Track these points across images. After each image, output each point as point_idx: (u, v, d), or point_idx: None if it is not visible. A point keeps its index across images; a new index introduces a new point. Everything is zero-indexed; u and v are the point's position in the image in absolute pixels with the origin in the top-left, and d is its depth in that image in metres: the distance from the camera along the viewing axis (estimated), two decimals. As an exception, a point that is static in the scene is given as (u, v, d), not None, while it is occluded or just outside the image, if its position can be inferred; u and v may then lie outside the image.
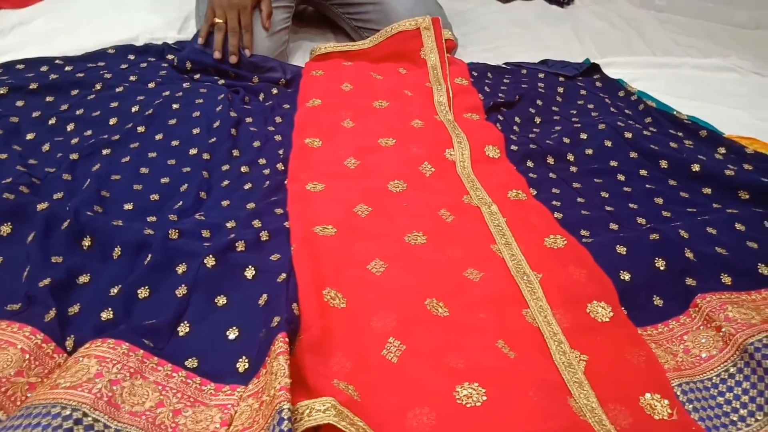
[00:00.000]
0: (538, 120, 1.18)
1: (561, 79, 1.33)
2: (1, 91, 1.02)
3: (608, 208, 0.91)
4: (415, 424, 0.54)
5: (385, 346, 0.62)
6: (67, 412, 0.50)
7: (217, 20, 1.16)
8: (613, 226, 0.87)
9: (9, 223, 0.74)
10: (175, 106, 1.05)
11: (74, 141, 0.95)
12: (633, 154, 1.05)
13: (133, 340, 0.59)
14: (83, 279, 0.69)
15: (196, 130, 1.00)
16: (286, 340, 0.56)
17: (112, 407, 0.53)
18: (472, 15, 1.67)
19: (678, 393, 0.64)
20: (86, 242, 0.73)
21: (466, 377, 0.58)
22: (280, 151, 0.99)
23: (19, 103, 1.02)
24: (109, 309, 0.65)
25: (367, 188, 0.90)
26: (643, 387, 0.63)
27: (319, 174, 0.92)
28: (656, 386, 0.63)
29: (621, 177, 1.01)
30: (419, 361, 0.61)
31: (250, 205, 0.86)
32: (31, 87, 1.05)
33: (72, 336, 0.62)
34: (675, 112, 1.19)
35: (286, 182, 0.91)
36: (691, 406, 0.63)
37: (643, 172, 1.02)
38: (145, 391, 0.56)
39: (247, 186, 0.91)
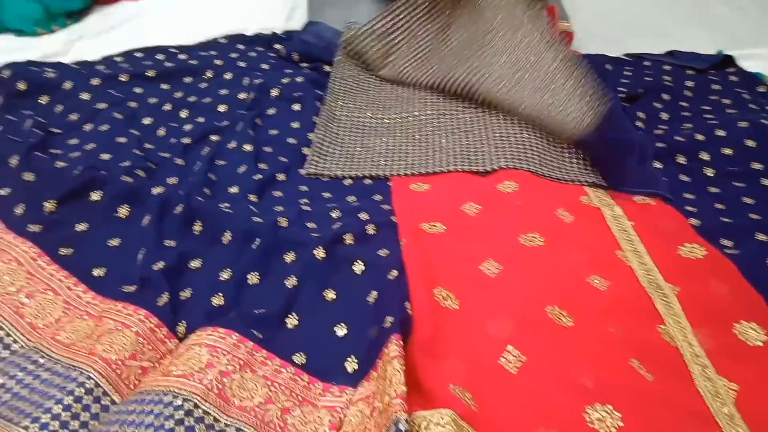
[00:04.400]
0: (665, 116, 1.07)
1: (690, 72, 1.20)
2: (123, 78, 1.06)
3: (754, 216, 0.81)
4: (540, 447, 0.48)
5: (503, 354, 0.57)
6: (179, 402, 0.49)
7: None
8: (761, 237, 0.77)
9: (127, 206, 0.76)
10: (274, 93, 1.04)
11: (187, 127, 0.97)
12: (780, 156, 0.93)
13: (242, 330, 0.58)
14: (194, 264, 0.69)
15: (295, 125, 0.99)
16: (401, 343, 0.53)
17: (222, 400, 0.51)
18: (586, 2, 1.56)
19: None
20: (197, 227, 0.73)
21: (597, 398, 0.52)
22: None
23: (138, 90, 1.05)
24: (220, 294, 0.64)
25: (474, 186, 0.85)
26: (808, 426, 0.54)
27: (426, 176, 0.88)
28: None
29: (766, 182, 0.89)
30: (542, 373, 0.56)
31: (352, 198, 0.83)
32: (148, 74, 1.08)
33: (184, 321, 0.62)
34: (826, 111, 1.04)
35: (389, 183, 0.87)
36: None
37: (792, 177, 0.90)
38: (254, 386, 0.54)
39: (347, 182, 0.88)
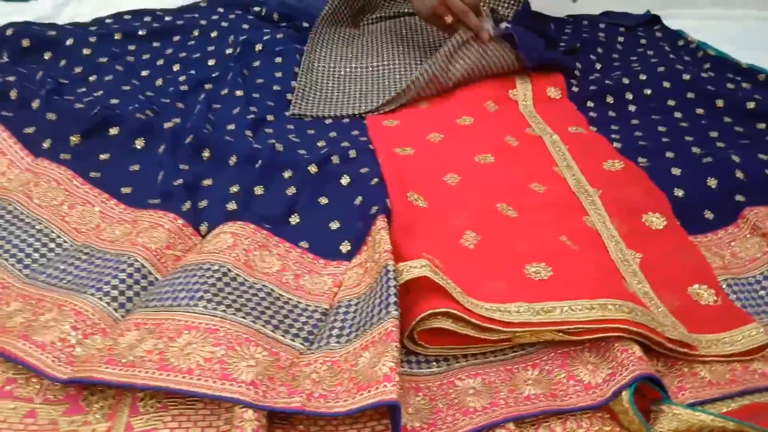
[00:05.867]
0: (598, 66, 1.24)
1: (621, 29, 1.38)
2: (117, 37, 1.16)
3: (665, 140, 0.99)
4: (491, 290, 0.64)
5: (463, 236, 0.73)
6: (216, 267, 0.63)
7: None
8: (669, 154, 0.94)
9: (142, 138, 0.88)
10: (258, 48, 1.17)
11: (182, 78, 1.08)
12: (690, 95, 1.11)
13: (257, 223, 0.72)
14: (207, 182, 0.83)
15: (278, 74, 1.12)
16: (385, 219, 0.68)
17: (248, 268, 0.66)
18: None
19: (724, 287, 0.72)
20: (206, 153, 0.86)
21: (533, 258, 0.69)
22: None
23: (131, 47, 1.16)
24: (233, 202, 0.78)
25: (437, 122, 1.00)
26: (692, 279, 0.72)
27: (394, 114, 1.03)
28: (703, 279, 0.72)
29: (678, 114, 1.07)
30: (493, 247, 0.72)
31: (333, 134, 0.97)
32: (139, 33, 1.19)
33: (205, 222, 0.75)
34: (734, 60, 1.23)
35: (364, 121, 1.02)
36: (734, 296, 0.71)
37: (699, 111, 1.08)
38: (271, 260, 0.69)
39: (327, 120, 1.02)
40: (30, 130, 0.88)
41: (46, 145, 0.86)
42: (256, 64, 1.14)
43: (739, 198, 0.84)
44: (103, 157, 0.85)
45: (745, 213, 0.81)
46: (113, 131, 0.88)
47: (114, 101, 0.96)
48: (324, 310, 0.64)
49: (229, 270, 0.64)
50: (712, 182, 0.85)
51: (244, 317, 0.59)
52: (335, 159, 0.86)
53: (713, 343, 0.64)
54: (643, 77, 1.15)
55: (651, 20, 1.41)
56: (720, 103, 1.08)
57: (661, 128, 1.03)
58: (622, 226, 0.79)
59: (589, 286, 0.64)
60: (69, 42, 1.10)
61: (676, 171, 0.88)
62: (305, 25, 1.25)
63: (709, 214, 0.83)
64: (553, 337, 0.61)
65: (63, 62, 1.08)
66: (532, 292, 0.64)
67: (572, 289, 0.63)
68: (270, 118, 1.00)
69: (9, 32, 1.10)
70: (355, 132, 0.98)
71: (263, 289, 0.64)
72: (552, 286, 0.65)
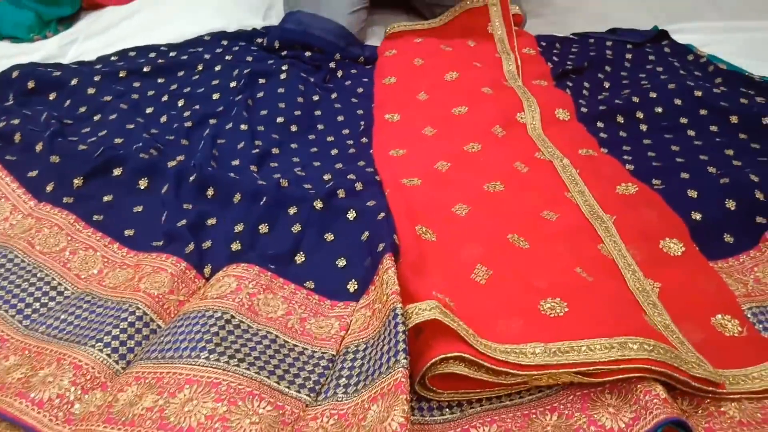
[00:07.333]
0: (607, 84, 1.23)
1: (629, 46, 1.36)
2: (122, 74, 1.16)
3: (679, 160, 0.96)
4: (505, 330, 0.62)
5: (474, 271, 0.71)
6: (219, 314, 0.62)
7: None
8: (684, 175, 0.91)
9: (146, 178, 0.87)
10: (261, 80, 1.16)
11: (186, 114, 1.08)
12: (703, 111, 1.08)
13: (261, 264, 0.70)
14: (211, 221, 0.81)
15: (281, 104, 1.11)
16: (392, 258, 0.66)
17: (252, 313, 0.64)
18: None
19: (748, 315, 0.69)
20: (210, 192, 0.85)
21: (548, 294, 0.66)
22: (362, 123, 1.09)
23: (136, 84, 1.16)
24: (237, 242, 0.76)
25: (444, 150, 0.98)
26: (714, 309, 0.68)
27: (401, 142, 1.01)
28: (727, 308, 0.68)
29: (691, 132, 1.05)
30: (505, 282, 0.69)
31: (339, 165, 0.96)
32: (144, 70, 1.19)
33: (209, 264, 0.74)
34: (746, 73, 1.20)
35: (370, 151, 1.00)
36: (761, 326, 0.68)
37: (713, 128, 1.05)
38: (276, 303, 0.67)
39: (333, 151, 1.01)
40: (33, 173, 0.88)
41: (49, 188, 0.85)
42: (260, 95, 1.13)
43: (759, 220, 0.81)
44: (106, 198, 0.84)
45: (767, 236, 0.77)
46: (117, 172, 0.88)
47: (118, 141, 0.96)
48: (331, 356, 0.62)
49: (233, 317, 0.62)
50: (731, 204, 0.82)
51: (248, 368, 0.57)
52: (341, 193, 0.84)
53: (741, 379, 0.61)
54: (653, 95, 1.13)
55: (659, 35, 1.39)
56: (734, 119, 1.05)
57: (674, 147, 1.01)
58: (638, 253, 0.76)
59: (607, 322, 0.61)
60: (74, 82, 1.10)
61: (692, 193, 0.85)
62: (307, 54, 1.25)
63: (729, 238, 0.80)
64: (571, 380, 0.58)
65: (68, 102, 1.08)
66: (548, 330, 0.61)
67: (590, 327, 0.60)
68: (275, 151, 0.99)
69: (14, 74, 1.10)
70: (362, 163, 0.97)
71: (268, 335, 0.62)
72: (568, 323, 0.62)
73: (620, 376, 0.57)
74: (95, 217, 0.81)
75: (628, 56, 1.32)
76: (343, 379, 0.58)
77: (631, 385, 0.57)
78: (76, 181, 0.85)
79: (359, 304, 0.68)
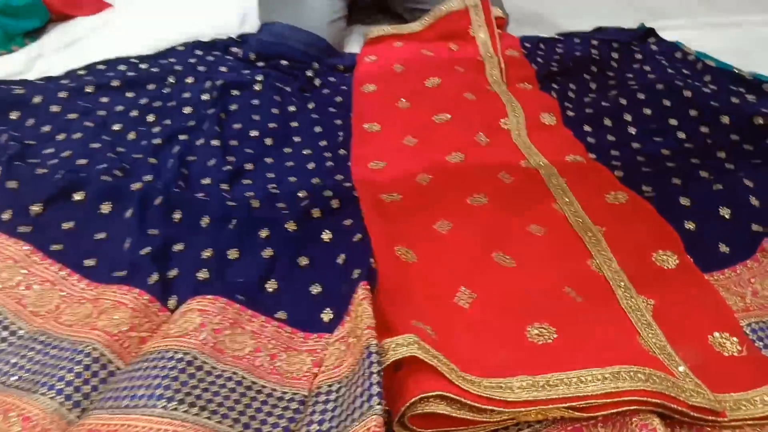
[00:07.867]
0: (593, 86, 1.19)
1: (615, 45, 1.32)
2: (89, 90, 1.11)
3: (669, 164, 0.92)
4: (490, 362, 0.57)
5: (457, 294, 0.66)
6: (180, 356, 0.57)
7: None
8: (676, 181, 0.88)
9: (108, 203, 0.82)
10: (235, 92, 1.12)
11: (155, 130, 1.03)
12: (693, 112, 1.04)
13: (228, 295, 0.66)
14: (178, 247, 0.76)
15: (255, 116, 1.06)
16: (368, 287, 0.61)
17: (217, 352, 0.59)
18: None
19: (747, 332, 0.65)
20: (177, 215, 0.80)
21: (535, 319, 0.62)
22: (340, 134, 1.04)
23: (104, 99, 1.11)
24: (205, 270, 0.72)
25: (426, 161, 0.94)
26: (712, 327, 0.65)
27: (380, 154, 0.97)
28: (724, 326, 0.65)
29: (681, 135, 1.01)
30: (490, 306, 0.65)
31: (316, 180, 0.91)
32: (113, 84, 1.14)
33: (174, 296, 0.69)
34: (736, 70, 1.16)
35: (348, 163, 0.96)
36: (761, 343, 0.64)
37: (704, 129, 1.01)
38: (244, 339, 0.62)
39: (310, 165, 0.96)
40: (-10, 201, 0.82)
41: (5, 217, 0.80)
42: (233, 107, 1.08)
43: (755, 228, 0.77)
44: (66, 226, 0.79)
45: (765, 245, 0.74)
46: (78, 197, 0.83)
47: (81, 162, 0.91)
48: (302, 397, 0.57)
49: (195, 357, 0.57)
50: (725, 212, 0.78)
51: (209, 417, 0.52)
52: (316, 212, 0.80)
53: (742, 404, 0.57)
54: (641, 96, 1.09)
55: (646, 33, 1.35)
56: (725, 119, 1.01)
57: (664, 151, 0.97)
58: (630, 267, 0.72)
59: (598, 348, 0.57)
60: (37, 99, 1.05)
61: (684, 201, 0.81)
62: (283, 62, 1.20)
63: (724, 248, 0.76)
64: (561, 414, 0.54)
65: (30, 121, 1.02)
66: (536, 360, 0.57)
67: (580, 355, 0.56)
68: (249, 167, 0.94)
69: (-26, 94, 1.05)
70: (339, 177, 0.92)
71: (233, 377, 0.57)
72: (557, 351, 0.58)
73: (614, 410, 0.53)
74: (54, 247, 0.76)
75: (615, 56, 1.28)
76: (315, 424, 0.53)
77: (626, 418, 0.53)
78: (34, 207, 0.80)
79: (333, 337, 0.63)
